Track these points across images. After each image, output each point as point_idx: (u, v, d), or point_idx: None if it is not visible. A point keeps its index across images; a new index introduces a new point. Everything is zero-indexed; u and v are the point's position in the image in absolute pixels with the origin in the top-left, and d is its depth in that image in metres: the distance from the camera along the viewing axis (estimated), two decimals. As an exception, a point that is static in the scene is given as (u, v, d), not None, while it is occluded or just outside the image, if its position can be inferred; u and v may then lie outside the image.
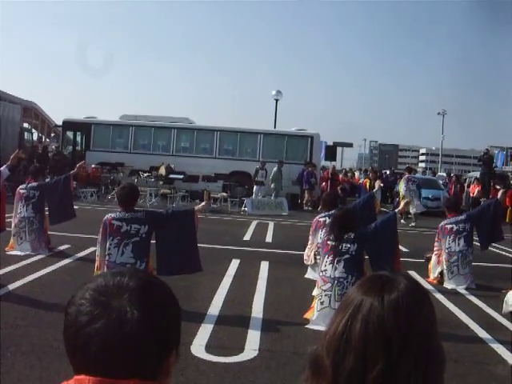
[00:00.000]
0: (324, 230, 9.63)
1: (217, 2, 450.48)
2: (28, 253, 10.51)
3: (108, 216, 7.32)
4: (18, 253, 10.49)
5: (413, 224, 19.73)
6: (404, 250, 12.35)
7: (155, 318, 1.15)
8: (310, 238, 10.08)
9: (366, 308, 1.30)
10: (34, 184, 11.07)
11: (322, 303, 7.19)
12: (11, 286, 8.08)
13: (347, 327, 1.29)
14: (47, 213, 11.18)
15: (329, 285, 7.21)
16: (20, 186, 11.15)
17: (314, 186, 24.79)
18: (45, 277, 8.95)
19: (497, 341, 6.93)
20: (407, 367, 1.25)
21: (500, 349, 6.66)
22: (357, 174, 33.80)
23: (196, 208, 7.86)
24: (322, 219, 9.86)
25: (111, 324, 1.12)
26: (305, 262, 10.11)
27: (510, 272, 10.61)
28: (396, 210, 9.26)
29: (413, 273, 10.57)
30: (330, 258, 7.33)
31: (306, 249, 10.16)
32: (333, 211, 9.68)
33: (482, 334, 7.27)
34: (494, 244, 12.43)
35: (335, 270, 7.25)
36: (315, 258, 9.45)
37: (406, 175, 20.87)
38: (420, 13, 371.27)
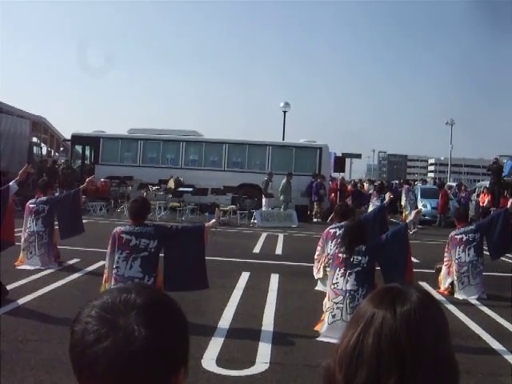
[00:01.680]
0: (334, 242, 9.61)
1: (224, 14, 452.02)
2: (38, 267, 10.52)
3: (117, 229, 7.31)
4: (28, 267, 10.51)
5: (411, 232, 19.68)
6: (414, 260, 12.23)
7: (163, 336, 1.13)
8: (319, 248, 10.06)
9: (378, 321, 1.27)
10: (44, 198, 11.11)
11: (333, 316, 7.15)
12: (21, 301, 8.09)
13: (359, 341, 1.27)
14: (56, 227, 11.19)
15: (340, 297, 7.17)
16: (29, 201, 11.18)
17: (323, 198, 24.75)
18: (54, 291, 8.95)
19: (510, 351, 6.86)
20: (421, 381, 1.22)
21: (513, 360, 6.59)
22: (366, 185, 33.62)
23: (206, 225, 7.84)
24: (332, 230, 9.86)
25: (118, 343, 1.09)
26: (315, 275, 10.09)
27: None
28: (407, 221, 9.23)
29: (423, 284, 10.53)
30: (342, 271, 7.29)
31: (315, 262, 10.13)
32: (344, 223, 9.67)
33: (495, 344, 7.20)
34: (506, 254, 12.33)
35: (347, 282, 7.22)
36: (324, 271, 9.41)
37: (406, 187, 23.91)
38: (426, 21, 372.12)
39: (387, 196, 11.58)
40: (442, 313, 1.34)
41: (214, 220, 8.01)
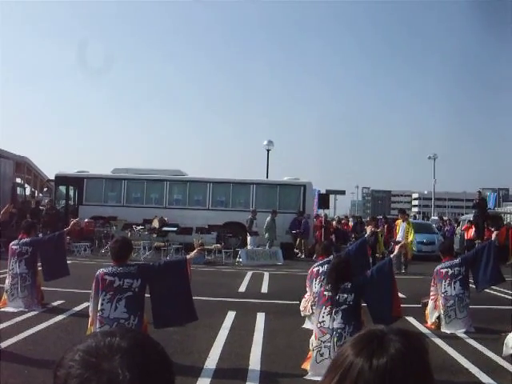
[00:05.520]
0: (318, 280, 9.63)
1: (208, 48, 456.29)
2: (21, 309, 10.39)
3: (100, 271, 7.26)
4: (11, 309, 10.38)
5: (402, 271, 19.60)
6: (401, 295, 12.23)
7: (148, 379, 1.11)
8: (308, 289, 10.05)
9: (355, 372, 1.24)
10: (27, 240, 11.01)
11: (321, 355, 7.09)
12: (3, 344, 7.94)
13: None
14: (40, 268, 11.08)
15: (328, 336, 7.12)
16: (12, 242, 11.08)
17: (308, 235, 24.80)
18: (38, 333, 8.81)
19: (499, 385, 6.84)
20: None
21: (503, 394, 6.56)
22: (351, 222, 33.72)
23: (188, 256, 7.85)
24: (315, 269, 9.90)
25: None
26: (301, 313, 10.05)
27: (510, 314, 10.52)
28: (391, 256, 9.22)
29: (410, 319, 10.53)
30: (328, 309, 7.26)
31: (303, 300, 10.09)
32: (326, 259, 9.71)
33: (484, 378, 7.16)
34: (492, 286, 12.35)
35: (333, 320, 7.18)
36: (312, 309, 9.37)
37: (400, 220, 22.49)
38: (412, 54, 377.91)
39: (368, 229, 11.61)
40: (425, 363, 1.29)
41: (195, 251, 8.00)
